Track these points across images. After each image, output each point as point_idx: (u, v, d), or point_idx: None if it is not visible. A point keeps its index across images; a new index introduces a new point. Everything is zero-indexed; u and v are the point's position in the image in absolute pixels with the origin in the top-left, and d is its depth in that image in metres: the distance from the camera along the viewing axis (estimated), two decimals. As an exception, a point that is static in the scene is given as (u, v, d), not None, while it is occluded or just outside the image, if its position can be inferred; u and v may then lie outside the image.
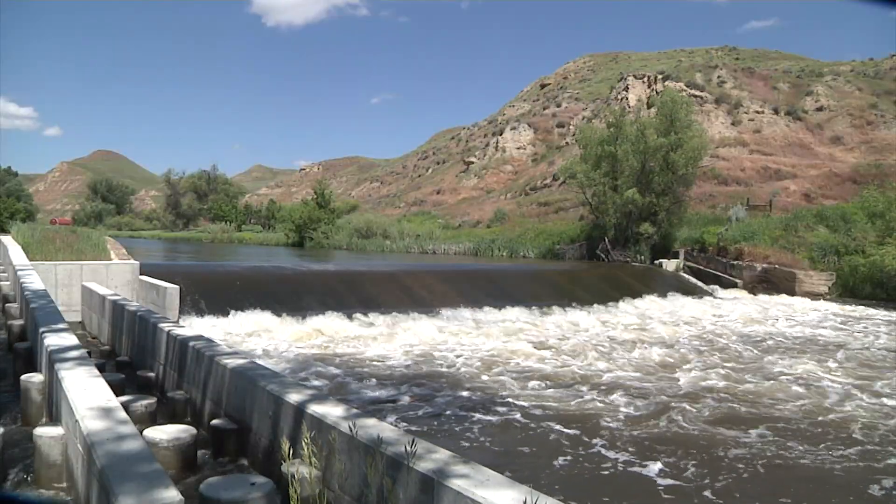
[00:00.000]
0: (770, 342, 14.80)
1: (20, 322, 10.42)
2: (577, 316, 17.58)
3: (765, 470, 6.56)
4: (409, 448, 3.45)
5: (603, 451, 6.92)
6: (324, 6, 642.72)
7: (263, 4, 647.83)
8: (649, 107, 46.86)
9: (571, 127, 65.43)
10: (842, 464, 6.80)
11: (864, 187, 30.23)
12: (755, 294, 24.90)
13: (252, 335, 13.04)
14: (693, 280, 26.88)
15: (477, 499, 3.05)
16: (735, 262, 26.82)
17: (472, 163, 73.26)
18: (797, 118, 50.93)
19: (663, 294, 22.60)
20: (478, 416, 8.12)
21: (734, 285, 26.03)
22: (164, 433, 5.22)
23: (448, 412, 8.30)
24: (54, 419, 5.39)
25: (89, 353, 7.08)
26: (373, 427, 4.10)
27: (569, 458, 6.71)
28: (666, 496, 5.83)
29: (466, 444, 7.04)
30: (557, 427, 7.71)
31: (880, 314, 20.39)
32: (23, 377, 6.60)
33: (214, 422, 5.97)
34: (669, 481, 6.14)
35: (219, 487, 3.80)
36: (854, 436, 7.79)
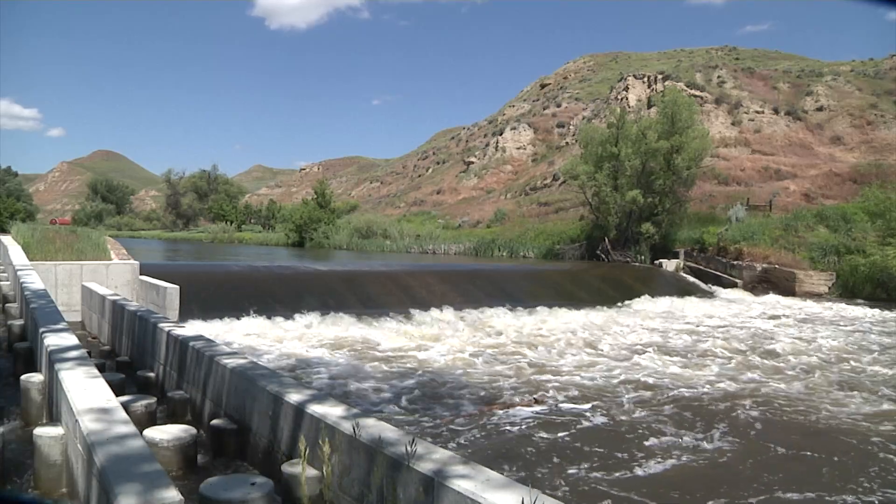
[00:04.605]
0: (768, 341, 14.80)
1: (20, 322, 10.42)
2: (578, 315, 17.62)
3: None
4: (409, 448, 3.45)
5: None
6: (326, 10, 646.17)
7: (266, 8, 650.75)
8: (650, 106, 46.84)
9: (571, 127, 65.38)
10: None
11: (865, 187, 30.23)
12: (755, 294, 24.89)
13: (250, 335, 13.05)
14: (693, 280, 26.91)
15: (477, 499, 3.04)
16: (735, 263, 26.83)
17: (472, 163, 73.19)
18: (797, 118, 50.88)
19: (663, 294, 22.62)
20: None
21: (734, 285, 26.04)
22: (164, 433, 5.22)
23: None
24: (54, 419, 5.38)
25: (89, 353, 7.08)
26: (373, 427, 4.10)
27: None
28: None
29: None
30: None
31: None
32: (23, 377, 6.60)
33: (214, 422, 5.97)
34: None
35: (219, 487, 3.79)
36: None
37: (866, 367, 12.13)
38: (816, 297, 24.12)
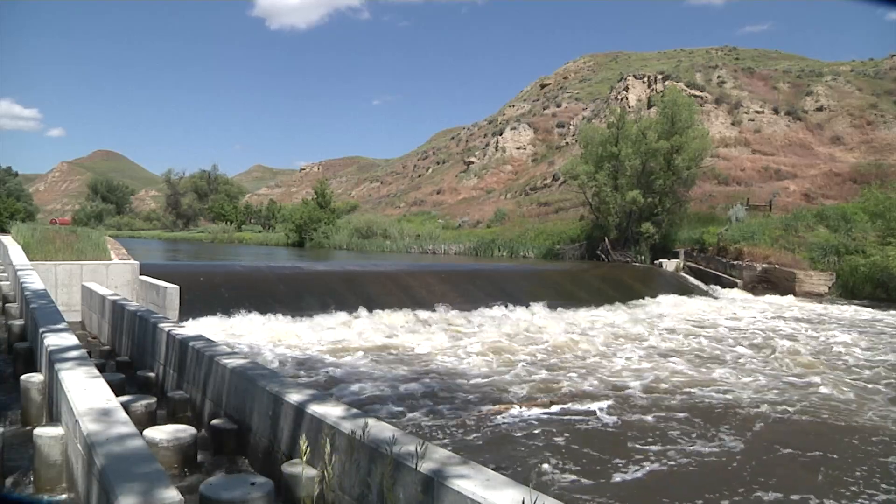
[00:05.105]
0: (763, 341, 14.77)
1: (20, 322, 10.41)
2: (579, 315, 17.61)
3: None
4: (409, 448, 3.45)
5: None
6: (326, 10, 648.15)
7: (266, 8, 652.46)
8: (650, 106, 46.83)
9: (571, 127, 65.37)
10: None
11: (865, 187, 30.23)
12: (755, 294, 24.89)
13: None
14: (693, 280, 26.91)
15: (477, 499, 3.04)
16: (735, 263, 26.83)
17: (472, 163, 73.20)
18: (797, 118, 50.88)
19: (665, 294, 22.61)
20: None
21: (734, 285, 26.04)
22: (164, 433, 5.21)
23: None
24: (54, 419, 5.38)
25: (89, 353, 7.08)
26: (373, 427, 4.09)
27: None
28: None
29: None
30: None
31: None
32: (23, 377, 6.59)
33: (214, 422, 5.96)
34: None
35: (219, 487, 3.79)
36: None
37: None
38: (817, 297, 24.10)
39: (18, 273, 12.68)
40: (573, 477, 6.18)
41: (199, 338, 7.50)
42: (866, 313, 20.52)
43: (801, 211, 30.34)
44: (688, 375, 11.01)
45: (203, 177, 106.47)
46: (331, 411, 4.49)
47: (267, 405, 5.22)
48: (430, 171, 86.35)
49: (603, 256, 31.72)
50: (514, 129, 72.56)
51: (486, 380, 10.22)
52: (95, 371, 5.33)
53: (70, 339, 6.53)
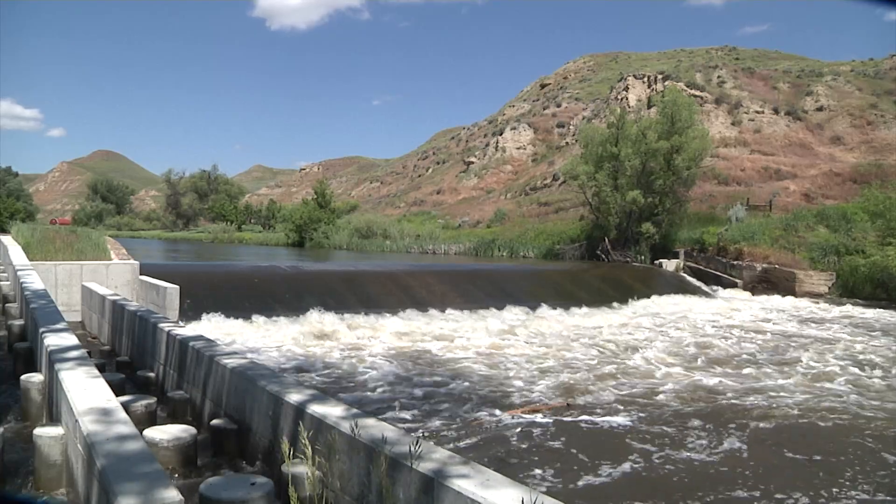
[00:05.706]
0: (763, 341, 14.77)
1: (20, 322, 10.42)
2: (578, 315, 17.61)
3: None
4: (409, 448, 3.45)
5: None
6: (326, 10, 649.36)
7: (267, 8, 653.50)
8: (650, 106, 46.83)
9: (571, 127, 65.36)
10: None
11: (865, 187, 30.22)
12: (755, 294, 24.88)
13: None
14: (693, 280, 26.90)
15: (477, 499, 3.04)
16: (735, 262, 26.82)
17: (472, 163, 73.19)
18: (797, 118, 50.87)
19: (664, 294, 22.61)
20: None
21: (734, 285, 26.04)
22: (164, 433, 5.21)
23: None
24: (54, 419, 5.38)
25: (89, 353, 7.08)
26: (373, 427, 4.10)
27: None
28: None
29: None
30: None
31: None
32: (23, 377, 6.60)
33: (214, 422, 5.96)
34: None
35: (219, 487, 3.79)
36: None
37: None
38: (817, 297, 24.09)
39: (18, 273, 12.68)
40: (579, 478, 6.18)
41: (199, 338, 7.50)
42: (871, 314, 20.40)
43: (801, 211, 30.32)
44: (694, 376, 10.98)
45: (203, 177, 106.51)
46: (331, 411, 4.49)
47: (267, 405, 5.23)
48: (430, 171, 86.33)
49: (603, 256, 31.72)
50: (514, 129, 72.55)
51: (490, 381, 10.19)
52: (95, 371, 5.33)
53: (70, 339, 6.54)
